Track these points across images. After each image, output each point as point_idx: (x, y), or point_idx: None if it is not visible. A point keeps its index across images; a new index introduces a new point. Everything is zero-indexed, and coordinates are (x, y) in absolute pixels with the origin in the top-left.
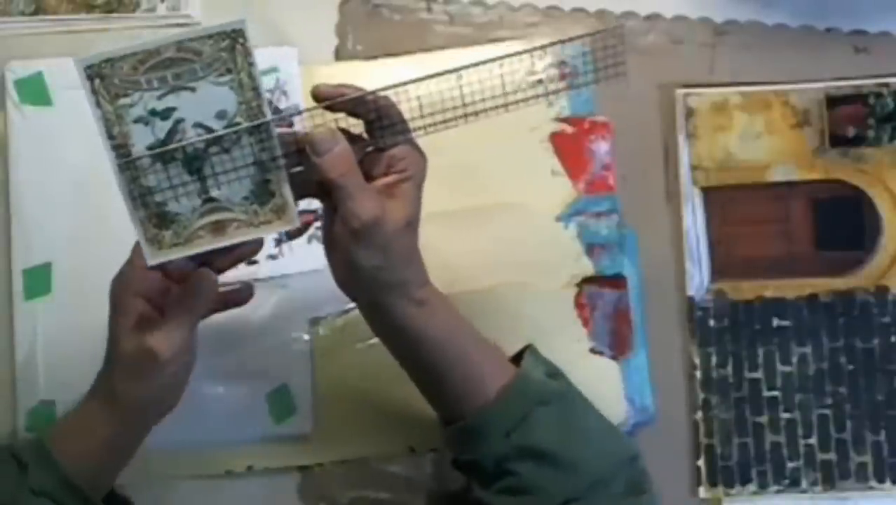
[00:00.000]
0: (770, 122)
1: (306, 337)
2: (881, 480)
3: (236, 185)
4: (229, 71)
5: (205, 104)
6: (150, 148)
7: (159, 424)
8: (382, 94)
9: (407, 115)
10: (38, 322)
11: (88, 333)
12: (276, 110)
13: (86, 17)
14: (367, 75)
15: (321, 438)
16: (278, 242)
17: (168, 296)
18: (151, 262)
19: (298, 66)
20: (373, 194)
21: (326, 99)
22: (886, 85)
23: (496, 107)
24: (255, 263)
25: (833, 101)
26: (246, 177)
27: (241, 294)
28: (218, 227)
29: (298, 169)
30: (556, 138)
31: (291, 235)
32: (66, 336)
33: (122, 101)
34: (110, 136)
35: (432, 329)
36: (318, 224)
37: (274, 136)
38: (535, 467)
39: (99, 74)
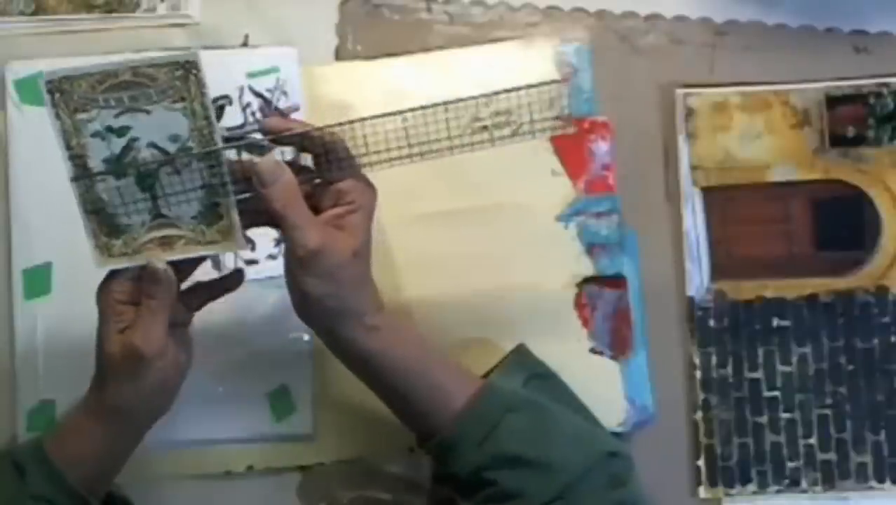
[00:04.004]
0: (770, 122)
1: (306, 337)
2: (881, 480)
3: (185, 206)
4: (182, 98)
5: (159, 127)
6: (105, 162)
7: (159, 425)
8: (330, 130)
9: (353, 151)
10: (38, 322)
11: (88, 333)
12: (239, 137)
13: (86, 17)
14: (367, 75)
15: (321, 438)
16: (278, 242)
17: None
18: (99, 267)
19: (298, 66)
20: (317, 225)
21: (274, 132)
22: (886, 85)
23: (441, 150)
24: (255, 262)
25: (833, 101)
26: (195, 199)
27: (231, 279)
28: (166, 242)
29: (245, 196)
30: (556, 138)
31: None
32: (66, 336)
33: (81, 115)
34: (68, 147)
35: (389, 352)
36: None
37: (223, 163)
38: (512, 473)
39: (59, 89)
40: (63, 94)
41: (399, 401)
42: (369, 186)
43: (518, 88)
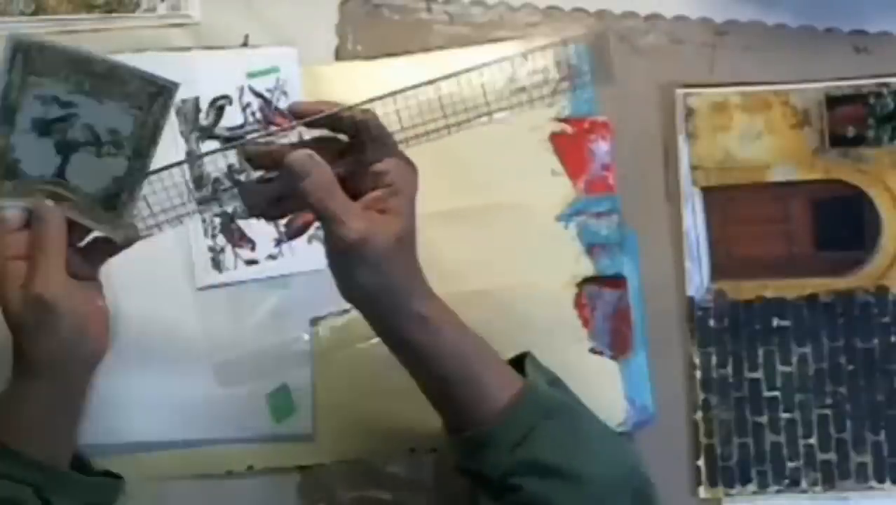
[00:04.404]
0: (770, 122)
1: (306, 337)
2: (881, 480)
3: (89, 183)
4: (140, 108)
5: (103, 116)
6: (33, 120)
7: (161, 424)
8: (362, 107)
9: (387, 128)
10: None
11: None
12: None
13: (86, 16)
14: (367, 75)
15: (321, 438)
16: (278, 242)
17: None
18: None
19: (298, 66)
20: (358, 213)
21: (304, 116)
22: (886, 85)
23: (479, 115)
24: (255, 262)
25: (833, 101)
26: (101, 183)
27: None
28: (54, 197)
29: (270, 176)
30: (556, 138)
31: (291, 236)
32: None
33: (34, 78)
34: (4, 98)
35: (438, 345)
36: (317, 224)
37: (142, 178)
38: (540, 482)
39: (26, 51)
40: (28, 58)
41: (439, 392)
42: (409, 166)
43: (555, 44)
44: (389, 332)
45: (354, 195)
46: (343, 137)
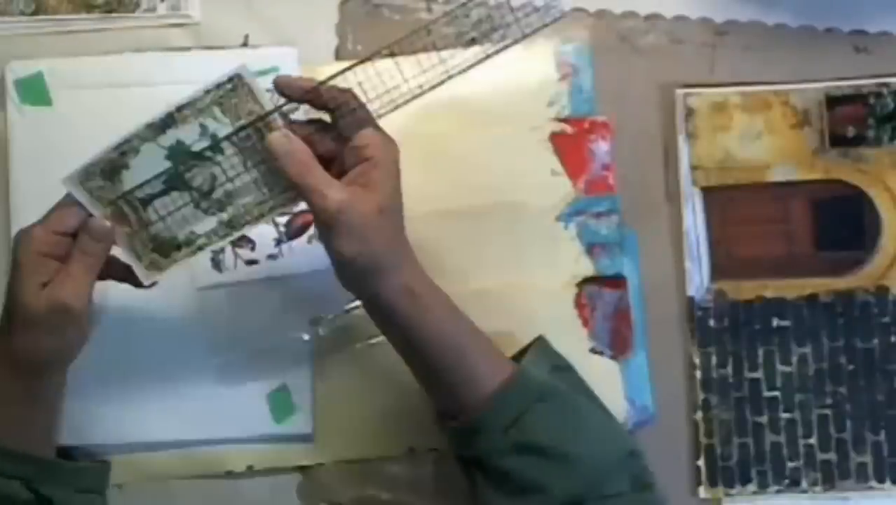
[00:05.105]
0: (770, 122)
1: (306, 337)
2: (881, 480)
3: (165, 226)
4: (272, 209)
5: (235, 179)
6: (178, 141)
7: (161, 424)
8: (341, 87)
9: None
10: None
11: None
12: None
13: (86, 17)
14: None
15: (321, 438)
16: (278, 242)
17: (70, 248)
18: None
19: (298, 66)
20: (337, 186)
21: (284, 87)
22: (886, 85)
23: (439, 74)
24: (255, 262)
25: (833, 101)
26: (175, 233)
27: (133, 279)
28: (119, 216)
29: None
30: (556, 138)
31: (291, 235)
32: None
33: (217, 109)
34: (188, 103)
35: (428, 326)
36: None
37: (213, 245)
38: (533, 463)
39: (237, 82)
40: (233, 90)
41: (430, 375)
42: (388, 140)
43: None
44: (379, 309)
45: (340, 176)
46: (325, 116)
